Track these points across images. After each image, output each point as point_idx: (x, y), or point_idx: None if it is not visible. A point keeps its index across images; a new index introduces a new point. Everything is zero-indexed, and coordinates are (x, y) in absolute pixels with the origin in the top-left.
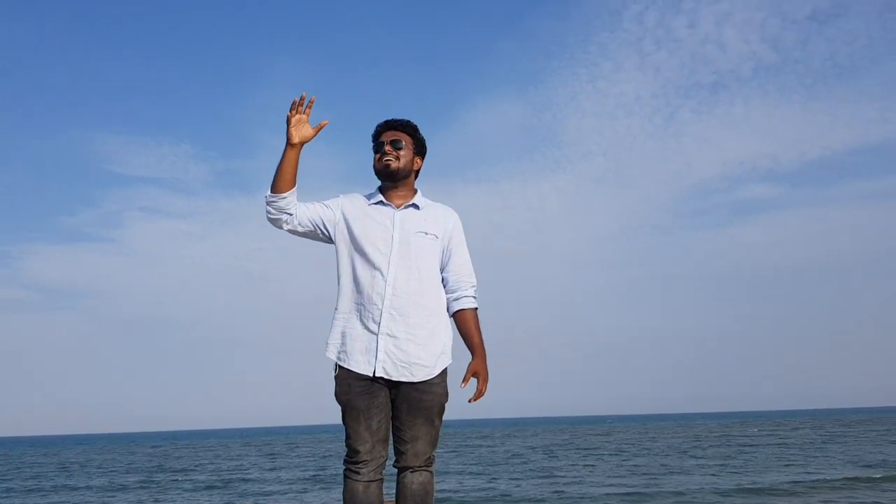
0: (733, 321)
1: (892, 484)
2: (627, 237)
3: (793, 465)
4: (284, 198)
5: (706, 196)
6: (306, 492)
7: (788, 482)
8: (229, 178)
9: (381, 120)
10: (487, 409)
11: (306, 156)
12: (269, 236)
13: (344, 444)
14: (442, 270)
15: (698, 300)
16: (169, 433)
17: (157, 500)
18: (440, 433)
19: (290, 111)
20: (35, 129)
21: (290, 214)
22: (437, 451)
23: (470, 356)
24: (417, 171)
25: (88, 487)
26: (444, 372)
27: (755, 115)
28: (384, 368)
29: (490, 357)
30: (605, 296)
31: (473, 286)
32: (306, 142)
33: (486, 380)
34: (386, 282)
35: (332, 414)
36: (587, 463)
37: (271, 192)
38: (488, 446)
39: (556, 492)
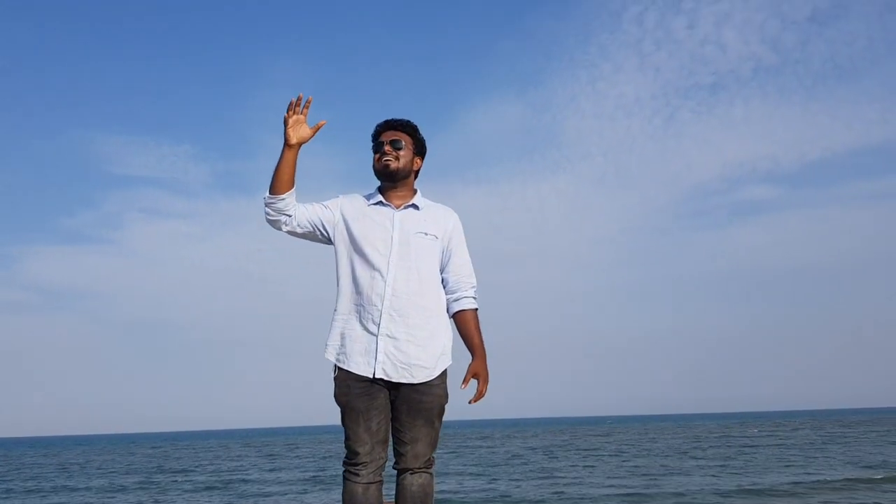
0: (733, 322)
1: (893, 485)
2: (627, 238)
3: (793, 465)
4: (283, 199)
5: (706, 197)
6: (306, 493)
7: (788, 483)
8: (229, 179)
9: (381, 120)
10: (487, 409)
11: (305, 156)
12: (269, 237)
13: (343, 445)
14: (442, 271)
15: (698, 301)
16: (169, 434)
17: (156, 501)
18: (440, 434)
19: (287, 112)
20: (35, 129)
21: (289, 216)
22: (437, 451)
23: (470, 357)
24: (417, 172)
25: (88, 488)
26: (444, 373)
27: (755, 116)
28: (384, 370)
29: (490, 358)
30: (605, 297)
31: (473, 287)
32: (304, 142)
33: (486, 381)
34: (385, 283)
35: (332, 415)
36: (587, 464)
37: (270, 193)
38: (488, 447)
39: (556, 493)
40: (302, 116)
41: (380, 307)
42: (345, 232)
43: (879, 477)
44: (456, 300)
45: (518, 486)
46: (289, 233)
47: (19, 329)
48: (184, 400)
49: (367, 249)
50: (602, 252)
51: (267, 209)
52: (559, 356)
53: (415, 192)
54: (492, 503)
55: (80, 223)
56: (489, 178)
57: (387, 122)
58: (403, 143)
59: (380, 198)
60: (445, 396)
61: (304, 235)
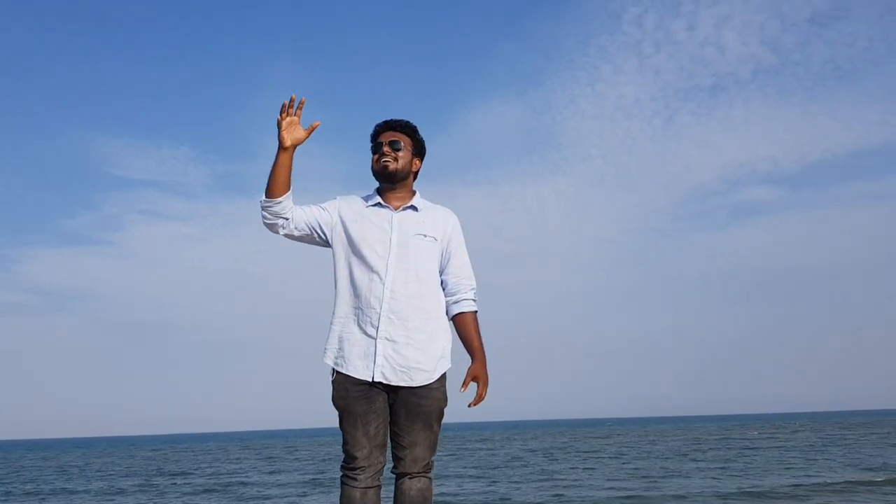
0: (733, 323)
1: (894, 487)
2: (627, 240)
3: (793, 468)
4: (279, 202)
5: (705, 198)
6: (305, 496)
7: (789, 485)
8: (229, 180)
9: (380, 120)
10: (487, 411)
11: (302, 158)
12: (269, 239)
13: (341, 449)
14: (441, 273)
15: (698, 302)
16: (168, 436)
17: None
18: (439, 438)
19: (281, 114)
20: (35, 130)
21: (286, 219)
22: (436, 454)
23: (469, 360)
24: (416, 173)
25: (87, 491)
26: (444, 376)
27: (755, 117)
28: (382, 373)
29: (490, 361)
30: (605, 297)
31: (473, 289)
32: (299, 144)
33: (486, 384)
34: (384, 285)
35: (331, 417)
36: (587, 466)
37: (266, 197)
38: (488, 449)
39: (555, 495)
40: (296, 118)
41: (378, 310)
42: (343, 234)
43: (880, 479)
44: (455, 302)
45: (518, 489)
46: (286, 236)
47: (19, 330)
48: (183, 401)
49: (366, 251)
50: (602, 253)
51: (264, 213)
52: (559, 357)
53: (414, 193)
54: None
55: (79, 225)
56: (489, 180)
57: (386, 122)
58: (402, 143)
59: (378, 199)
60: (445, 400)
61: (301, 238)
